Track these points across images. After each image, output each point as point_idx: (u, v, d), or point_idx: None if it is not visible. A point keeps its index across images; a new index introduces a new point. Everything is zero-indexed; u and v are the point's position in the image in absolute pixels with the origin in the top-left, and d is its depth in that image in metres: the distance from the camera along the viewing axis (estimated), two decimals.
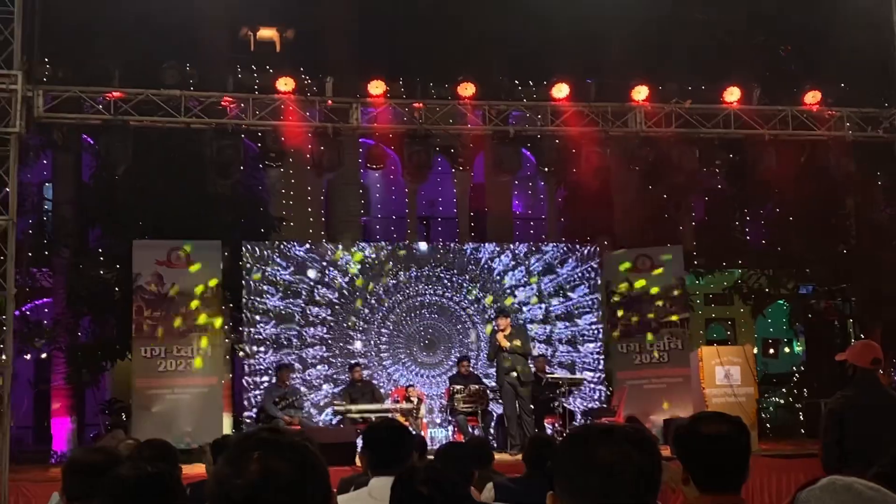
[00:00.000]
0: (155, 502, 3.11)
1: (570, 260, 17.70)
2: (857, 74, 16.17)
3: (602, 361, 17.47)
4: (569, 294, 17.60)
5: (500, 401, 14.70)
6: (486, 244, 18.55)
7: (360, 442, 11.88)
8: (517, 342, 14.11)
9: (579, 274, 17.63)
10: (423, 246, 18.32)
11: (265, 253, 16.80)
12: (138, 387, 15.27)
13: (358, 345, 16.87)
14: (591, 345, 17.51)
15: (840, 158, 15.16)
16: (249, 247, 16.76)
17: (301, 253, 16.89)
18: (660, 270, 16.94)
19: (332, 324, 16.81)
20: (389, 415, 14.36)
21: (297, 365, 16.26)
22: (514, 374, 13.98)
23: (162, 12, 16.09)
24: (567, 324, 17.56)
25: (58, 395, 18.63)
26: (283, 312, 16.59)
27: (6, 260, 11.57)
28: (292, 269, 16.70)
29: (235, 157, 13.73)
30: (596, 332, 17.56)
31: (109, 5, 15.99)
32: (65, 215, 19.09)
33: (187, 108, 13.06)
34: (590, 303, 17.60)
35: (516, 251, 17.79)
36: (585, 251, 17.91)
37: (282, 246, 17.06)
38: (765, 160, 14.98)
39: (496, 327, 14.33)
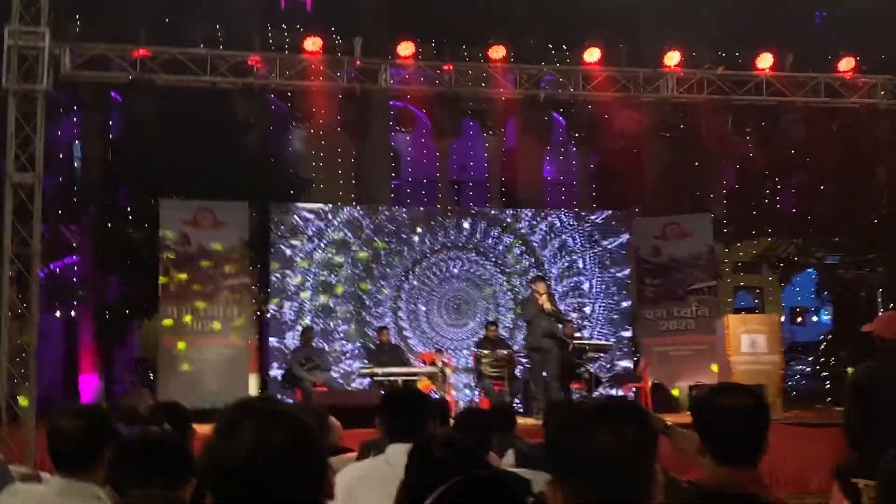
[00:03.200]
0: (159, 466, 3.11)
1: (600, 226, 17.59)
2: (892, 42, 15.88)
3: (630, 328, 17.43)
4: (597, 260, 17.52)
5: (528, 364, 14.74)
6: (522, 210, 18.48)
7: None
8: (554, 308, 14.28)
9: (609, 241, 17.53)
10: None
11: (292, 214, 16.80)
12: (165, 346, 15.39)
13: (385, 308, 16.88)
14: (617, 311, 17.44)
15: (872, 127, 14.95)
16: (278, 207, 16.77)
17: (329, 215, 16.87)
18: (689, 238, 16.82)
19: (358, 286, 16.81)
20: (415, 378, 14.41)
21: (318, 328, 16.26)
22: (551, 338, 14.05)
23: None
24: (596, 290, 17.50)
25: (86, 353, 18.75)
26: (311, 273, 16.60)
27: (32, 217, 11.62)
28: (320, 230, 16.69)
29: (262, 116, 13.71)
30: (623, 298, 17.49)
31: None
32: (93, 173, 19.12)
33: (214, 67, 13.00)
34: (618, 270, 17.51)
35: (548, 218, 17.70)
36: (617, 218, 17.80)
37: (309, 207, 17.05)
38: (796, 128, 14.79)
39: (535, 292, 14.35)
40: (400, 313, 16.96)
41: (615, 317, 17.45)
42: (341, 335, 16.63)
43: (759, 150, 18.47)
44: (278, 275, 16.52)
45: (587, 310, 17.42)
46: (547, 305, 14.12)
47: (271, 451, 1.91)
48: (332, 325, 16.59)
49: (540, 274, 16.05)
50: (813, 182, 19.28)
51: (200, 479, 2.79)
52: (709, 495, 2.19)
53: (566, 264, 17.42)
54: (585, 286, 17.48)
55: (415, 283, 17.05)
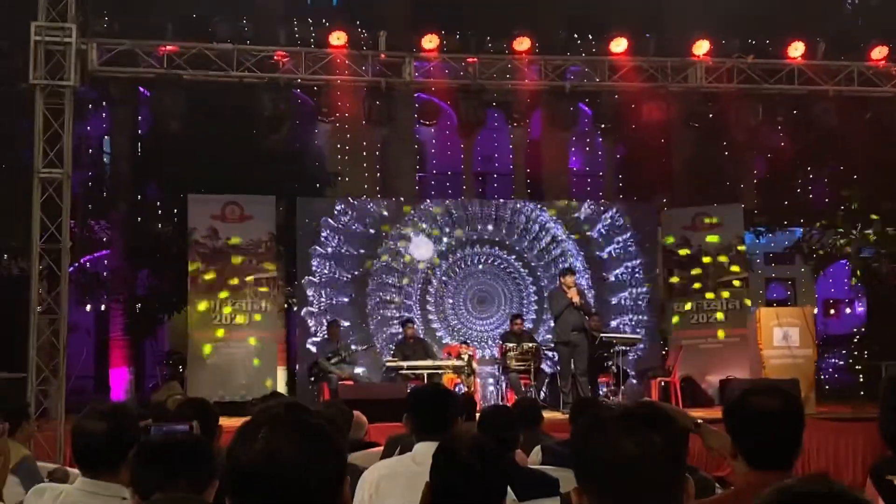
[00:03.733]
0: (182, 467, 3.08)
1: (628, 218, 17.48)
2: None
3: (657, 319, 17.32)
4: (625, 251, 17.40)
5: (557, 358, 14.67)
6: (548, 201, 18.42)
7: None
8: (583, 301, 14.30)
9: (637, 232, 17.41)
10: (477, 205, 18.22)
11: (319, 208, 16.81)
12: (194, 339, 15.45)
13: (412, 300, 16.86)
14: (645, 303, 17.34)
15: None
16: (305, 201, 16.79)
17: (356, 209, 16.86)
18: (719, 229, 16.69)
19: (388, 279, 16.80)
20: (441, 371, 14.38)
21: (345, 323, 16.26)
22: (579, 331, 14.01)
23: None
24: (623, 281, 17.39)
25: (116, 347, 18.89)
26: (338, 268, 16.60)
27: (61, 213, 11.66)
28: (346, 224, 16.68)
29: (287, 111, 13.70)
30: (652, 290, 17.37)
31: None
32: (122, 169, 19.23)
33: (240, 63, 13.00)
34: (646, 262, 17.39)
35: (574, 211, 17.61)
36: (643, 209, 17.68)
37: (336, 201, 17.05)
38: (828, 117, 14.60)
39: (563, 285, 14.28)
40: (428, 306, 16.92)
41: (643, 309, 17.33)
42: (370, 327, 16.63)
43: (789, 140, 18.29)
44: (305, 268, 16.52)
45: (614, 302, 17.29)
46: (576, 298, 14.06)
47: (281, 459, 1.92)
48: (359, 318, 16.58)
49: (568, 266, 15.95)
50: (845, 171, 19.07)
51: (221, 481, 2.77)
52: None
53: (592, 255, 17.31)
54: (612, 278, 17.36)
55: (442, 277, 17.00)
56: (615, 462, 2.05)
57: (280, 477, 1.91)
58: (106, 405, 3.92)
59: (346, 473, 2.01)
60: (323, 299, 16.50)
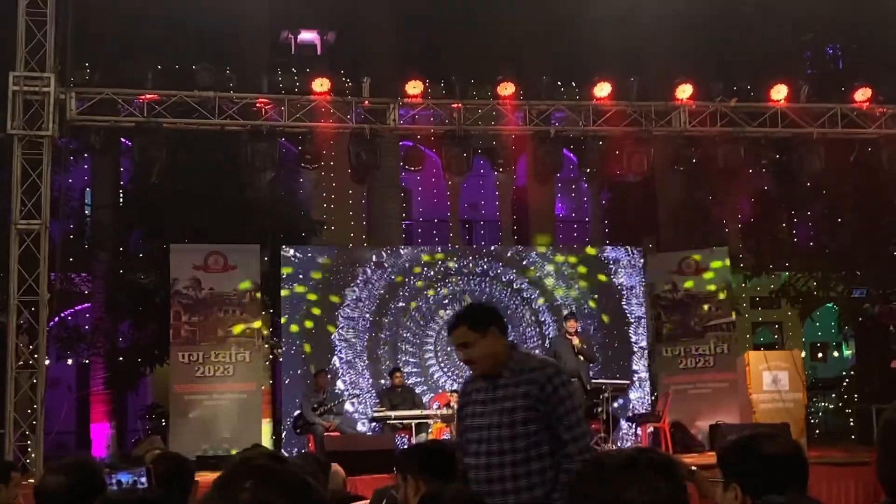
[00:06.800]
0: None
1: (614, 263, 17.36)
2: None
3: (647, 365, 17.16)
4: (613, 296, 17.27)
5: None
6: (535, 248, 18.31)
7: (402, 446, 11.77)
8: (585, 347, 14.05)
9: (624, 277, 17.29)
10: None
11: (304, 257, 16.64)
12: (176, 392, 15.20)
13: (399, 349, 16.66)
14: (637, 348, 17.18)
15: (890, 157, 14.73)
16: (289, 251, 16.62)
17: (341, 257, 16.71)
18: (706, 273, 16.60)
19: (372, 329, 16.60)
20: (430, 421, 14.16)
21: (335, 368, 16.06)
22: (576, 380, 13.78)
23: (201, 16, 16.00)
24: (611, 327, 17.25)
25: (98, 401, 18.62)
26: (322, 318, 16.41)
27: (39, 264, 11.49)
28: (332, 273, 16.52)
29: (271, 159, 13.59)
30: (640, 335, 17.23)
31: (146, 8, 15.95)
32: (103, 220, 19.08)
33: (222, 110, 12.92)
34: (634, 307, 17.26)
35: (560, 255, 17.48)
36: (629, 254, 17.57)
37: (320, 251, 16.90)
38: (813, 159, 14.59)
39: (566, 329, 14.12)
40: (414, 354, 16.71)
41: (632, 355, 17.16)
42: (357, 375, 16.40)
43: (774, 183, 18.31)
44: (289, 317, 16.32)
45: (603, 347, 17.12)
46: (576, 343, 13.88)
47: None
48: (345, 367, 16.36)
49: (571, 311, 15.76)
50: (831, 214, 19.07)
51: None
52: None
53: (579, 301, 17.15)
54: (600, 323, 17.20)
55: (432, 321, 16.80)
56: None
57: None
58: (67, 459, 3.81)
59: None
60: (307, 348, 16.27)
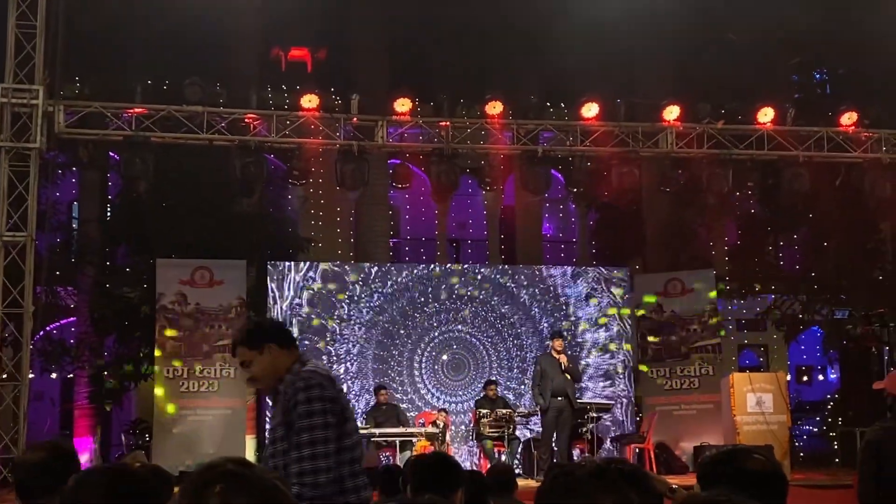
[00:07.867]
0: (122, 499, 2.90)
1: (601, 284, 17.37)
2: (893, 96, 15.83)
3: (632, 387, 17.14)
4: (599, 318, 17.27)
5: (539, 422, 14.47)
6: (522, 267, 18.31)
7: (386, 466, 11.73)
8: (572, 365, 14.09)
9: (609, 298, 17.30)
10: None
11: (290, 273, 16.59)
12: (160, 407, 15.13)
13: (387, 366, 16.61)
14: (621, 369, 17.17)
15: (876, 181, 14.81)
16: (276, 267, 16.58)
17: (327, 274, 16.67)
18: (691, 295, 16.63)
19: (359, 345, 16.56)
20: (414, 439, 14.14)
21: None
22: (564, 398, 13.78)
23: (192, 32, 16.00)
24: (598, 350, 17.23)
25: (81, 415, 18.51)
26: (309, 334, 16.37)
27: (25, 277, 11.45)
28: (318, 290, 16.48)
29: (259, 174, 13.58)
30: (626, 356, 17.23)
31: (137, 23, 15.96)
32: (90, 233, 19.02)
33: (210, 125, 12.91)
34: (619, 327, 17.26)
35: (547, 275, 17.47)
36: (616, 275, 17.59)
37: (307, 266, 16.85)
38: (799, 182, 14.66)
39: (552, 348, 14.13)
40: (398, 371, 16.68)
41: (617, 375, 17.15)
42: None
43: (761, 205, 18.37)
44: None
45: (588, 368, 17.10)
46: (564, 361, 13.88)
47: None
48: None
49: (557, 330, 15.76)
50: (816, 237, 19.15)
51: None
52: None
53: (565, 321, 17.13)
54: (585, 343, 17.18)
55: (416, 339, 16.76)
56: None
57: None
58: (47, 440, 3.88)
59: None
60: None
